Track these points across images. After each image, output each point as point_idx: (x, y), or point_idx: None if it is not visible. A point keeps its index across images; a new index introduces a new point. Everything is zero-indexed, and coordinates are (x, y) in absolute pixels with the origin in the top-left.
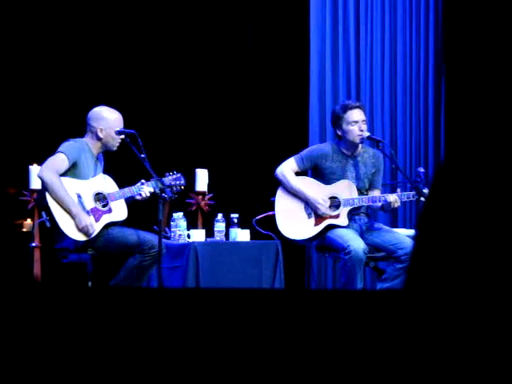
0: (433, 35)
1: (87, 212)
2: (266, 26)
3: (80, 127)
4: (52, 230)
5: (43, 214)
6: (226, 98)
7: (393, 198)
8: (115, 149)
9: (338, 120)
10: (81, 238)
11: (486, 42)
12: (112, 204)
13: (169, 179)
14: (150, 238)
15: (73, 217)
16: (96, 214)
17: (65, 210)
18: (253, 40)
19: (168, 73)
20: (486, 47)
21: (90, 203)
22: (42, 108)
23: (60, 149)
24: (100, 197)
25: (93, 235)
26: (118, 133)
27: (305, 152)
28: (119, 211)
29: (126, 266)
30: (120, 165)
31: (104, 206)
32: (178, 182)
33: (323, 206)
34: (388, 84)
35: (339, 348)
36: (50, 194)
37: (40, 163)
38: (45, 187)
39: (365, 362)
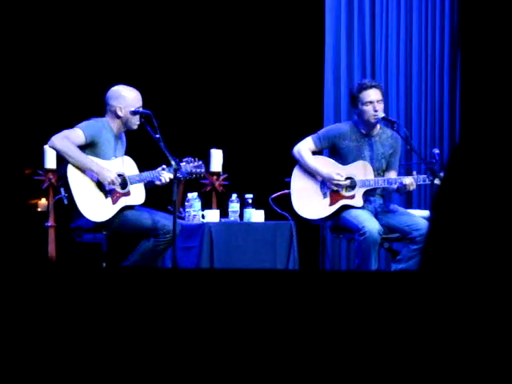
0: (449, 14)
1: (107, 192)
2: (281, 8)
3: (95, 107)
4: (69, 208)
5: (62, 190)
6: (241, 78)
7: (409, 181)
8: (136, 127)
9: (354, 100)
10: (97, 218)
11: (502, 23)
12: (131, 187)
13: (190, 166)
14: (166, 222)
15: (96, 174)
16: (114, 195)
17: (84, 185)
18: (269, 21)
19: (183, 53)
20: (502, 28)
21: None
22: (57, 88)
23: (78, 125)
24: (120, 179)
25: (108, 217)
26: (133, 113)
27: (322, 131)
28: (137, 195)
29: (139, 249)
30: (142, 147)
31: (123, 188)
32: (198, 170)
33: (339, 180)
34: (403, 64)
35: (354, 328)
36: (69, 160)
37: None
38: (60, 155)
39: (379, 341)
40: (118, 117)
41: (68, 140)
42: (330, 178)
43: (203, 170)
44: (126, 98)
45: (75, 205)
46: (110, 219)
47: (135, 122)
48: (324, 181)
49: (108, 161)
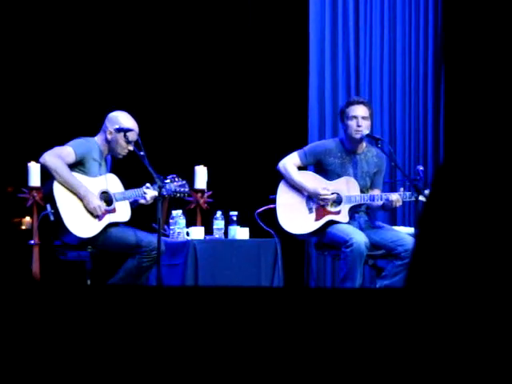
0: (432, 33)
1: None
2: (265, 23)
3: (79, 125)
4: (55, 224)
5: (48, 206)
6: (225, 95)
7: (395, 197)
8: (120, 157)
9: (341, 114)
10: (83, 234)
11: (486, 40)
12: (116, 204)
13: (174, 185)
14: (151, 239)
15: (81, 198)
16: None
17: (71, 201)
18: (252, 37)
19: (167, 69)
20: (486, 45)
21: None
22: (40, 105)
23: (69, 143)
24: (105, 196)
25: (95, 233)
26: (117, 130)
27: (308, 147)
28: (123, 212)
29: (125, 266)
30: (127, 165)
31: (108, 204)
32: (182, 189)
33: (325, 194)
34: (387, 82)
35: (339, 346)
36: (56, 179)
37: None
38: (49, 172)
39: (365, 360)
40: (107, 140)
41: (60, 159)
42: (316, 192)
43: (187, 190)
44: (121, 125)
45: (62, 221)
46: (95, 236)
47: (121, 151)
48: (310, 196)
49: (93, 178)
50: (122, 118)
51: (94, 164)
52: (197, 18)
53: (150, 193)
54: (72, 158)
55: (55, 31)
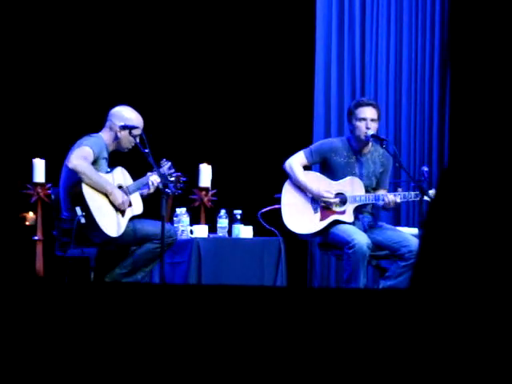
0: (438, 33)
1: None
2: (272, 21)
3: (84, 121)
4: (86, 226)
5: (77, 209)
6: (230, 93)
7: (390, 198)
8: (126, 150)
9: (349, 115)
10: (115, 233)
11: (493, 40)
12: (131, 197)
13: (164, 169)
14: (168, 227)
15: (107, 195)
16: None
17: (99, 201)
18: (259, 34)
19: (172, 67)
20: (493, 45)
21: None
22: (45, 101)
23: (84, 143)
24: (121, 190)
25: (123, 230)
26: (122, 127)
27: (315, 145)
28: (137, 204)
29: (140, 251)
30: (123, 161)
31: None
32: (170, 171)
33: (328, 198)
34: (393, 82)
35: (342, 346)
36: (85, 181)
37: (42, 156)
38: (78, 175)
39: (368, 360)
40: (116, 137)
41: (86, 161)
42: (320, 195)
43: (173, 170)
44: (130, 120)
45: (95, 222)
46: (122, 233)
47: (129, 145)
48: (313, 197)
49: (108, 174)
50: (126, 113)
51: (103, 161)
52: (203, 16)
53: (154, 178)
54: (91, 158)
55: (59, 27)
